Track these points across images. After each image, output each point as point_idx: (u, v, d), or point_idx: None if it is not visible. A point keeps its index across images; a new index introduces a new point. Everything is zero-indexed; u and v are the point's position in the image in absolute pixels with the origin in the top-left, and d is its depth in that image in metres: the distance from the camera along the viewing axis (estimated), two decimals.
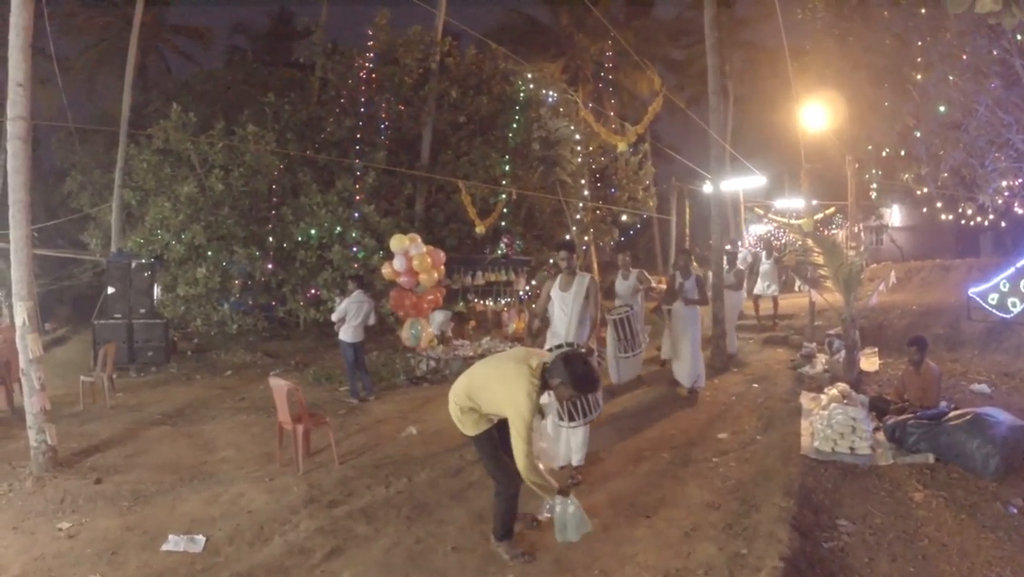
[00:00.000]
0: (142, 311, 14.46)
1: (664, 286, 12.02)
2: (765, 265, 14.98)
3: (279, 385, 7.26)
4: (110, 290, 14.59)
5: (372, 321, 10.85)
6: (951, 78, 11.34)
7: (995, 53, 10.72)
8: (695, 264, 12.58)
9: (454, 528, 5.41)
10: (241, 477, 6.93)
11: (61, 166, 22.41)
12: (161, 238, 15.70)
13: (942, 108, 11.64)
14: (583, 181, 22.25)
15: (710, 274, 12.54)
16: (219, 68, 24.48)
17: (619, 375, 9.70)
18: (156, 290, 15.18)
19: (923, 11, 11.80)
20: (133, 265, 14.64)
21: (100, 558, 5.12)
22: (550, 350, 5.78)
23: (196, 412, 10.18)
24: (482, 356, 12.42)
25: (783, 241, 30.46)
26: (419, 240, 12.74)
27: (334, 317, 10.68)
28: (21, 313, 7.27)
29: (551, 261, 19.67)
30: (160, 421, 9.61)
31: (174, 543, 5.30)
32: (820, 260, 10.81)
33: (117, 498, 6.38)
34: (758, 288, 15.00)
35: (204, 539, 5.37)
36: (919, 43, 12.08)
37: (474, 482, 6.48)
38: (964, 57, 11.07)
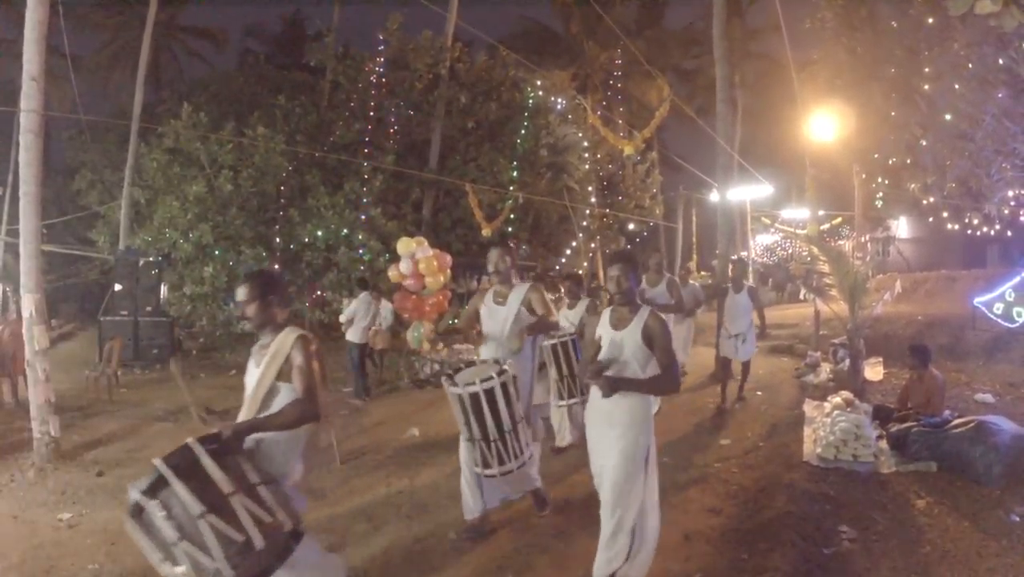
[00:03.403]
0: (148, 309, 14.54)
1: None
2: (734, 300, 9.29)
3: None
4: (117, 287, 14.68)
5: (391, 321, 10.96)
6: (957, 87, 11.32)
7: (1002, 62, 10.71)
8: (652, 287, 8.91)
9: (454, 529, 5.39)
10: None
11: (71, 164, 22.55)
12: (169, 237, 15.78)
13: (948, 117, 11.63)
14: (590, 188, 22.29)
15: (697, 287, 11.60)
16: (231, 70, 24.65)
17: (481, 500, 5.18)
18: (163, 288, 15.25)
19: (930, 20, 11.79)
20: (140, 263, 14.73)
21: (99, 549, 5.14)
22: None
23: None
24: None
25: (789, 251, 30.54)
26: (426, 243, 12.76)
27: (343, 318, 10.83)
28: (29, 305, 7.32)
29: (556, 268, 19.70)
30: (163, 417, 9.66)
31: None
32: (826, 269, 10.78)
33: (118, 491, 6.39)
34: (724, 346, 9.46)
35: None
36: (927, 53, 12.07)
37: None
38: (970, 66, 11.06)
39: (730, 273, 10.32)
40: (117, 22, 25.48)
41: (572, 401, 6.80)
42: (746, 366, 9.66)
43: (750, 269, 21.61)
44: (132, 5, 23.93)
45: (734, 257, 11.82)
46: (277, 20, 32.01)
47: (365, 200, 17.02)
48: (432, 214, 19.50)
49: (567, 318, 7.46)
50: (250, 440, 3.29)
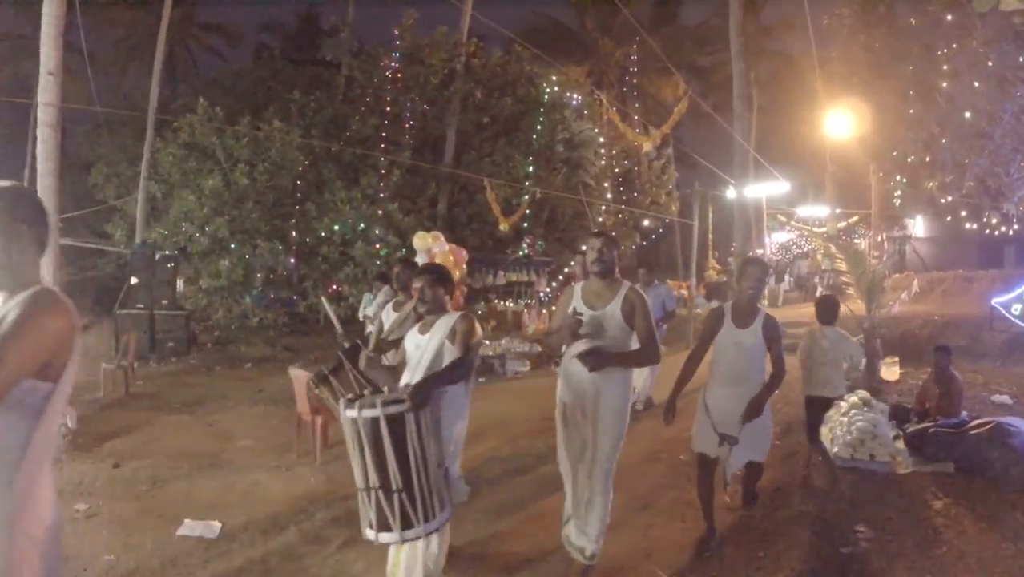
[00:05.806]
0: (164, 302, 14.61)
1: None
2: (738, 340, 4.61)
3: (299, 376, 7.30)
4: (133, 281, 14.74)
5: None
6: (976, 84, 11.23)
7: (1021, 60, 10.62)
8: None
9: (470, 524, 5.38)
10: (258, 466, 6.96)
11: (87, 158, 22.65)
12: (185, 231, 15.85)
13: (967, 115, 11.53)
14: (606, 184, 22.26)
15: (666, 292, 9.59)
16: (246, 65, 24.73)
17: None
18: (179, 282, 15.33)
19: (949, 18, 11.69)
20: (157, 256, 14.80)
21: (115, 540, 5.15)
22: None
23: (215, 402, 10.26)
24: (501, 356, 12.46)
25: (804, 249, 30.38)
26: (442, 238, 12.78)
27: (369, 312, 10.97)
28: None
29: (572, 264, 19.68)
30: (179, 410, 9.69)
31: (189, 528, 5.32)
32: (843, 267, 10.71)
33: (134, 482, 6.43)
34: (701, 435, 4.80)
35: (219, 525, 5.39)
36: (945, 50, 11.98)
37: (491, 479, 6.49)
38: (990, 64, 10.98)
39: (737, 282, 4.95)
40: (132, 18, 25.63)
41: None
42: (756, 471, 5.36)
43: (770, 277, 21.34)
44: (147, 2, 24.04)
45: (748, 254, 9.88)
46: (292, 16, 32.17)
47: (382, 195, 17.05)
48: (448, 209, 19.50)
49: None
50: None
